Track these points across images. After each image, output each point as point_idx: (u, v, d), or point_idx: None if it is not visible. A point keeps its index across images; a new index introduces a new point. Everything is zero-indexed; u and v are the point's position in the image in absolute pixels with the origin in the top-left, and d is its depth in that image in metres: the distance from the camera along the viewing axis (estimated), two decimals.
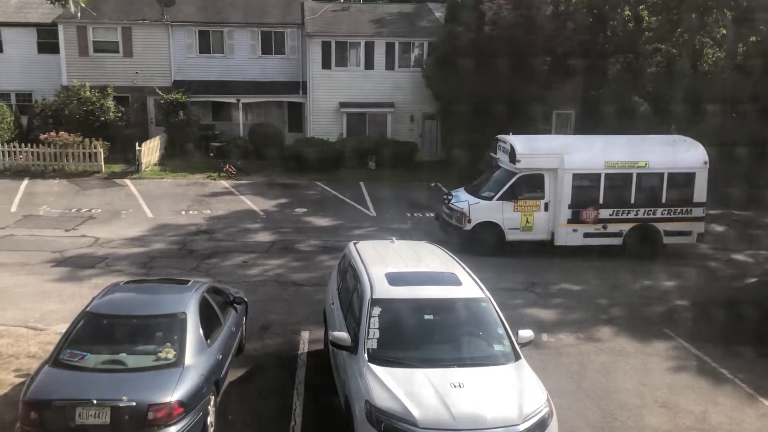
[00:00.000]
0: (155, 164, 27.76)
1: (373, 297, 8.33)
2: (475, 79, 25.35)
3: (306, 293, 13.97)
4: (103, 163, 26.18)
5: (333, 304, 10.02)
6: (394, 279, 8.78)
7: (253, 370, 10.30)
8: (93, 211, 20.67)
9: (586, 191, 16.84)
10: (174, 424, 7.26)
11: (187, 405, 7.45)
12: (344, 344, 8.06)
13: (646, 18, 28.80)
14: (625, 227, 17.01)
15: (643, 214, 17.03)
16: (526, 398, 7.24)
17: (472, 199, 17.17)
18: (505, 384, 7.49)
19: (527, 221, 16.92)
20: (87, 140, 26.16)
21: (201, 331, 8.46)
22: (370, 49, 30.69)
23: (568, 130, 31.10)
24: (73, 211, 20.62)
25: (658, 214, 17.07)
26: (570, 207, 16.77)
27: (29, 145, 26.13)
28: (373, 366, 7.54)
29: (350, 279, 9.59)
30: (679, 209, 17.14)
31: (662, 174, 17.01)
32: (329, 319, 10.10)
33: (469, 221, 16.86)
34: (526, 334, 8.37)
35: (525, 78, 25.50)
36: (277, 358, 10.83)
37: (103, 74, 29.87)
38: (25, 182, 24.37)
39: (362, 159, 28.36)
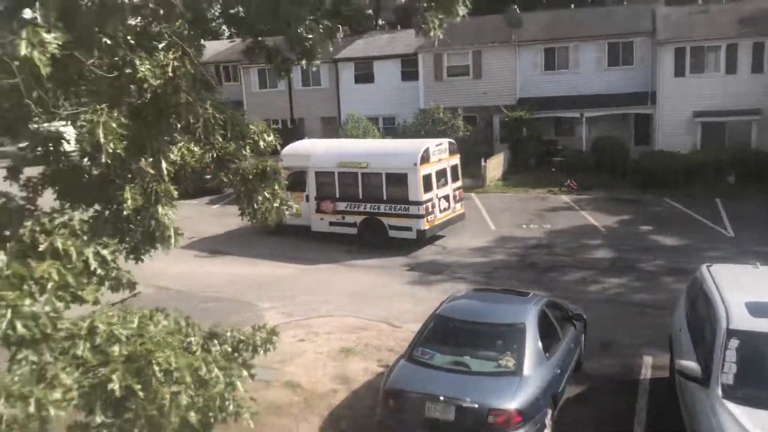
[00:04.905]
0: (498, 179, 28.99)
1: (730, 327, 7.50)
2: None
3: (649, 315, 13.17)
4: None
5: (680, 330, 9.29)
6: (757, 309, 7.77)
7: (591, 389, 10.09)
8: None
9: (327, 186, 19.62)
10: (512, 431, 7.52)
11: (525, 414, 7.65)
12: (693, 375, 7.43)
13: None
14: (358, 219, 19.24)
15: (370, 209, 19.05)
16: None
17: None
18: None
19: (297, 210, 18.06)
20: None
21: (540, 344, 8.61)
22: (732, 51, 27.66)
23: None
24: None
25: (382, 209, 18.91)
26: (316, 199, 19.66)
27: None
28: (728, 403, 6.80)
29: (701, 305, 8.78)
30: (399, 206, 18.60)
31: (380, 174, 18.87)
32: (675, 346, 9.39)
33: None
34: None
35: None
36: (617, 381, 10.43)
37: (454, 96, 32.28)
38: None
39: (719, 173, 25.57)
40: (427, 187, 18.55)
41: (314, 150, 20.67)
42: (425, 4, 7.23)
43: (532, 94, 31.62)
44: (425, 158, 18.62)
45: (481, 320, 9.13)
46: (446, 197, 19.60)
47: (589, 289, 15.18)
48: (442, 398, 7.71)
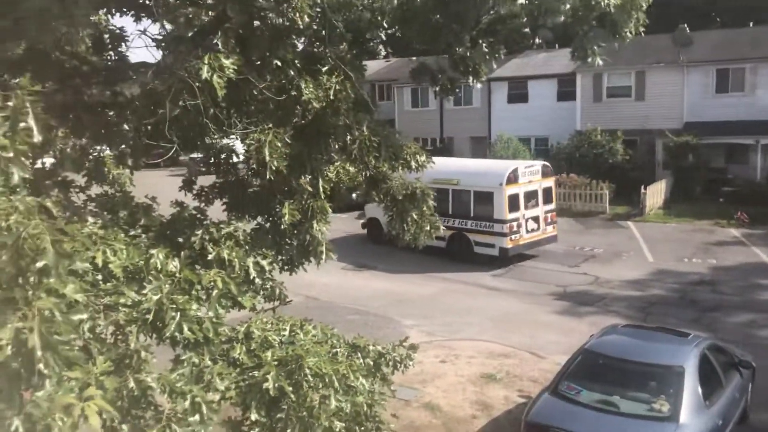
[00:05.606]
0: (659, 208, 27.28)
1: None
2: None
3: None
4: (607, 204, 27.02)
5: None
6: None
7: None
8: (595, 250, 21.45)
9: None
10: None
11: None
12: None
13: None
14: (447, 233, 18.93)
15: (459, 224, 19.70)
16: None
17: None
18: None
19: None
20: (594, 182, 27.41)
21: (700, 389, 7.95)
22: None
23: None
24: (576, 248, 21.79)
25: (469, 225, 19.59)
26: None
27: None
28: None
29: None
30: (484, 223, 19.21)
31: (469, 191, 19.54)
32: None
33: (364, 216, 22.77)
34: None
35: None
36: None
37: (614, 118, 30.86)
38: None
39: None
40: (513, 207, 19.14)
41: None
42: (588, 27, 7.00)
43: (701, 118, 29.51)
44: (512, 179, 19.30)
45: (634, 359, 8.56)
46: (535, 218, 19.95)
47: (759, 333, 13.80)
48: None
